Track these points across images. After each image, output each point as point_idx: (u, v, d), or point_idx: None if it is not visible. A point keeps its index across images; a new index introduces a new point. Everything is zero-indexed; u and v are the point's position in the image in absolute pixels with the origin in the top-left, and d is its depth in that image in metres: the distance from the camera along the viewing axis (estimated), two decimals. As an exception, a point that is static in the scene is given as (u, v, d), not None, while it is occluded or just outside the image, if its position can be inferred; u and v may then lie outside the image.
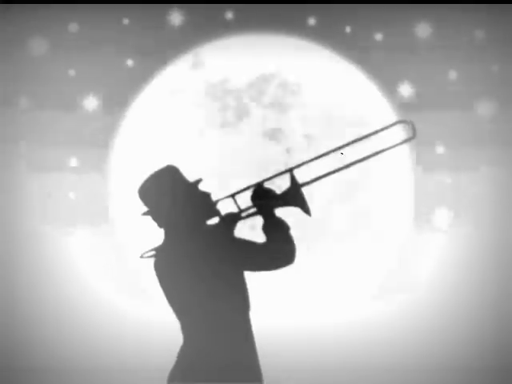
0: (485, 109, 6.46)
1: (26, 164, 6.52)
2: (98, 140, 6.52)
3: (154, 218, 3.53)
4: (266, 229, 3.51)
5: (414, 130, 3.73)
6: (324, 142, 6.47)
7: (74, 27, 6.51)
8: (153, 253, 3.51)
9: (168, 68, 6.54)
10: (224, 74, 6.54)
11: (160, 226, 3.53)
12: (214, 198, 3.56)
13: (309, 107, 6.54)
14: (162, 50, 6.51)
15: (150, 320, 6.29)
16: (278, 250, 3.43)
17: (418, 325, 6.41)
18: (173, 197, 3.49)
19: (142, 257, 3.55)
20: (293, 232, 3.50)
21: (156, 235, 3.61)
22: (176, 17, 6.53)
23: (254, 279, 3.56)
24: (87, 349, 6.44)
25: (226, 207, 3.60)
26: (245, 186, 3.64)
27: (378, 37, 6.49)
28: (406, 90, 6.51)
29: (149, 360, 6.15)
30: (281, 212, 3.57)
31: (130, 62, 6.53)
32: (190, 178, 3.59)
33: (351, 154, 3.72)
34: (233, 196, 3.62)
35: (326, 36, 6.49)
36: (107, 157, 6.55)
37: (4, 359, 6.38)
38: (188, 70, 6.54)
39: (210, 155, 6.50)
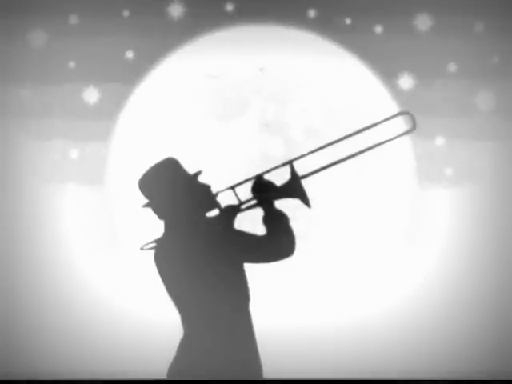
0: (484, 100, 6.46)
1: (26, 156, 6.52)
2: (97, 132, 6.51)
3: (155, 210, 3.53)
4: (265, 221, 3.52)
5: (414, 121, 3.74)
6: (324, 135, 6.47)
7: (73, 19, 6.51)
8: (153, 245, 3.52)
9: (168, 60, 6.53)
10: (224, 65, 6.53)
11: (160, 217, 3.54)
12: (213, 190, 3.57)
13: (309, 99, 6.54)
14: (162, 42, 6.50)
15: (149, 314, 6.29)
16: (277, 241, 3.44)
17: (419, 323, 6.41)
18: (173, 189, 3.50)
19: (142, 249, 3.56)
20: (293, 226, 3.51)
21: (156, 227, 3.62)
22: (176, 8, 6.53)
23: (252, 277, 3.57)
24: (84, 341, 6.44)
25: (226, 199, 3.60)
26: (245, 178, 3.65)
27: (378, 29, 6.49)
28: (405, 81, 6.51)
29: (148, 354, 6.16)
30: (280, 204, 3.58)
31: (129, 54, 6.52)
32: (190, 170, 3.59)
33: (351, 146, 3.73)
34: (233, 188, 3.63)
35: (326, 28, 6.48)
36: (107, 148, 6.54)
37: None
38: (188, 62, 6.53)
39: (210, 147, 6.50)
